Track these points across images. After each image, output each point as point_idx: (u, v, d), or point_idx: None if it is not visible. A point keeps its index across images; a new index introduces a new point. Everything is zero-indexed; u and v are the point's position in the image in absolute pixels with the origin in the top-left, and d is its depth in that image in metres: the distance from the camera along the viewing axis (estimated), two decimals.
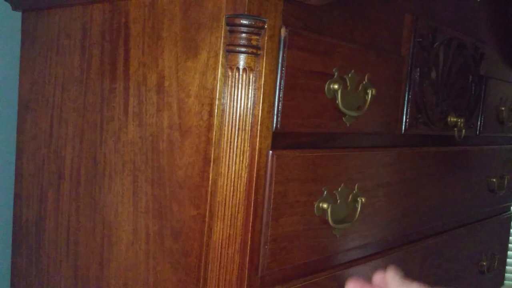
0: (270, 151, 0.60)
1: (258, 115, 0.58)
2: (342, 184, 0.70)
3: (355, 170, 0.73)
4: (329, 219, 0.67)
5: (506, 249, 1.38)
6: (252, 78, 0.57)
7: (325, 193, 0.68)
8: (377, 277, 0.70)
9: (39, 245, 0.85)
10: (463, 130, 0.96)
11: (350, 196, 0.72)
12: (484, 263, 1.20)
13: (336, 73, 0.66)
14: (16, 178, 0.89)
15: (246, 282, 0.60)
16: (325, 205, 0.67)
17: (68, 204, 0.79)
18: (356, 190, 0.73)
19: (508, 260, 1.51)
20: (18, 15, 0.90)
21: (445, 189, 1.00)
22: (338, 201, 0.70)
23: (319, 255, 0.69)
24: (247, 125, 0.58)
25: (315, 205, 0.67)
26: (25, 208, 0.87)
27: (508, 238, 1.37)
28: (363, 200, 0.73)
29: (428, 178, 0.93)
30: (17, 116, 0.89)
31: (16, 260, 0.89)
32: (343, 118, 0.69)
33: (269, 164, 0.60)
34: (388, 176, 0.81)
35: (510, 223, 1.36)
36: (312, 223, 0.67)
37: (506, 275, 1.63)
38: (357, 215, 0.72)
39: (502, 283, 1.39)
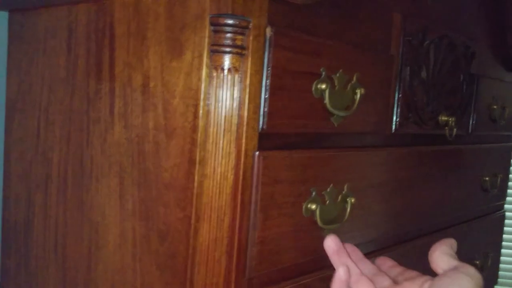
0: (257, 152, 0.59)
1: (244, 116, 0.57)
2: (331, 185, 0.70)
3: (344, 170, 0.72)
4: (318, 220, 0.67)
5: (500, 247, 1.37)
6: (237, 78, 0.57)
7: (313, 194, 0.67)
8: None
9: (28, 247, 0.84)
10: (454, 129, 0.95)
11: (340, 197, 0.71)
12: (477, 262, 1.20)
13: (323, 73, 0.66)
14: (4, 180, 0.88)
15: (233, 284, 0.59)
16: (313, 206, 0.67)
17: (55, 207, 0.78)
18: (345, 190, 0.72)
19: (502, 258, 1.50)
20: (4, 14, 0.89)
21: (437, 188, 1.00)
22: (327, 201, 0.69)
23: (308, 257, 0.69)
24: (233, 126, 0.57)
25: (304, 206, 0.66)
26: (14, 211, 0.86)
27: (501, 236, 1.37)
28: (352, 200, 0.72)
29: (420, 178, 0.93)
30: (4, 117, 0.88)
31: (5, 262, 0.88)
32: (331, 118, 0.68)
33: (255, 165, 0.59)
34: (379, 176, 0.81)
35: (503, 221, 1.36)
36: (301, 224, 0.66)
37: (500, 273, 1.63)
38: (346, 216, 0.71)
39: (496, 282, 1.39)
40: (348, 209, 0.71)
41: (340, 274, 0.61)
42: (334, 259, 0.65)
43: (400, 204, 0.88)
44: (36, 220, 0.82)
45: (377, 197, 0.81)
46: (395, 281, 0.64)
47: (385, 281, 0.64)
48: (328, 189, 0.69)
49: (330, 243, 0.65)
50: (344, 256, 0.65)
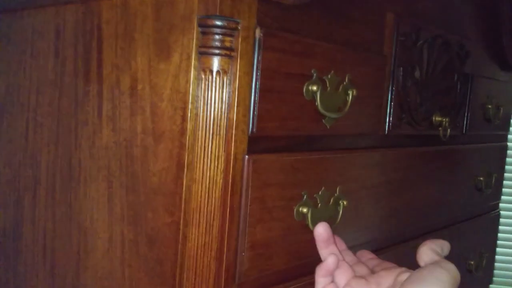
0: (246, 156, 0.58)
1: (233, 119, 0.56)
2: (323, 188, 0.69)
3: (336, 172, 0.71)
4: (309, 223, 0.66)
5: (495, 247, 1.37)
6: (226, 80, 0.55)
7: (304, 197, 0.66)
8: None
9: (17, 252, 0.83)
10: (448, 130, 0.94)
11: (332, 199, 0.70)
12: (472, 262, 1.20)
13: (314, 74, 0.65)
14: None
15: None
16: (305, 210, 0.66)
17: (44, 211, 0.77)
18: (337, 193, 0.71)
19: (497, 257, 1.50)
20: None
21: (432, 189, 0.99)
22: (319, 204, 0.68)
23: (300, 260, 0.68)
24: (222, 130, 0.56)
25: (295, 210, 0.65)
26: (2, 215, 0.85)
27: (497, 236, 1.36)
28: (345, 203, 0.71)
29: (414, 179, 0.92)
30: None
31: None
32: (323, 120, 0.67)
33: (245, 169, 0.58)
34: (372, 177, 0.80)
35: (498, 221, 1.35)
36: (292, 228, 0.65)
37: (495, 271, 1.63)
38: (339, 219, 0.70)
39: (491, 282, 1.38)
40: (340, 212, 0.70)
41: (329, 262, 0.61)
42: (321, 246, 0.64)
43: (395, 206, 0.87)
44: (24, 224, 0.81)
45: (370, 199, 0.80)
46: (372, 271, 0.65)
47: (364, 270, 0.65)
48: (320, 192, 0.68)
49: (322, 231, 0.64)
50: (332, 245, 0.65)
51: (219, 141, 0.56)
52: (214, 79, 0.55)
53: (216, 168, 0.56)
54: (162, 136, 0.59)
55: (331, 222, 0.69)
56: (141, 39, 0.61)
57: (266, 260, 0.62)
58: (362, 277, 0.63)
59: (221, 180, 0.57)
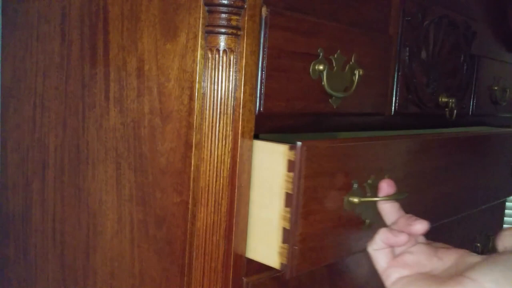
0: (299, 143, 0.54)
1: (240, 98, 0.56)
2: (373, 176, 0.63)
3: (384, 159, 0.66)
4: (361, 213, 0.62)
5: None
6: (233, 59, 0.55)
7: (355, 186, 0.61)
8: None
9: (26, 235, 0.83)
10: (455, 110, 0.94)
11: None
12: (479, 245, 1.20)
13: (321, 54, 0.64)
14: (1, 168, 0.88)
15: (231, 269, 0.59)
16: (355, 200, 0.61)
17: (53, 194, 0.78)
18: None
19: None
20: None
21: (471, 175, 0.92)
22: (367, 194, 0.63)
23: (349, 252, 0.64)
24: (229, 109, 0.56)
25: (345, 200, 0.60)
26: (12, 198, 0.86)
27: (503, 219, 1.36)
28: None
29: (457, 165, 0.86)
30: (0, 105, 0.87)
31: (4, 251, 0.88)
32: (330, 99, 0.67)
33: (297, 156, 0.54)
34: (417, 164, 0.74)
35: (504, 205, 1.35)
36: (342, 219, 0.61)
37: None
38: None
39: None
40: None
41: (401, 239, 0.57)
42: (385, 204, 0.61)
43: (438, 193, 0.82)
44: (34, 208, 0.81)
45: (415, 187, 0.75)
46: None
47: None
48: (370, 181, 0.63)
49: (385, 186, 0.61)
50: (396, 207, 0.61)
51: (226, 120, 0.56)
52: (220, 58, 0.55)
53: (224, 147, 0.57)
54: (170, 116, 0.59)
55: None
56: (147, 19, 0.61)
57: (317, 254, 0.59)
58: (425, 244, 0.58)
59: (229, 159, 0.57)
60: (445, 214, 0.87)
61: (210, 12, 0.55)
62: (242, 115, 0.57)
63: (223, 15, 0.54)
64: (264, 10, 0.57)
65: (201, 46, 0.56)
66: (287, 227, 0.56)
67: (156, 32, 0.60)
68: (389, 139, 0.68)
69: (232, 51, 0.55)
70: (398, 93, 0.82)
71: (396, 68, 0.82)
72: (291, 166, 0.55)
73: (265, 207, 0.59)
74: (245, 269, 0.61)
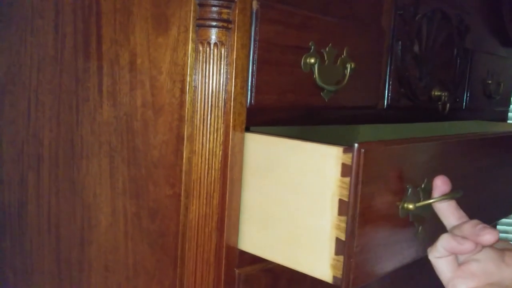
0: (356, 144, 0.50)
1: (231, 91, 0.57)
2: (426, 179, 0.59)
3: (437, 162, 0.63)
4: (415, 219, 0.58)
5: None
6: (224, 53, 0.56)
7: (409, 190, 0.57)
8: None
9: (22, 229, 0.84)
10: (448, 104, 0.95)
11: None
12: None
13: (312, 47, 0.65)
14: None
15: (224, 261, 0.59)
16: (410, 206, 0.56)
17: (48, 188, 0.78)
18: None
19: None
20: None
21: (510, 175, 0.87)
22: (422, 199, 0.59)
23: (404, 262, 0.60)
24: (220, 102, 0.57)
25: (400, 206, 0.56)
26: (7, 193, 0.86)
27: None
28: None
29: (497, 166, 0.81)
30: None
31: (0, 244, 0.89)
32: (321, 93, 0.68)
33: (354, 160, 0.50)
34: (463, 166, 0.70)
35: None
36: (398, 227, 0.57)
37: None
38: None
39: None
40: None
41: (467, 247, 0.52)
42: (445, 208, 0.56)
43: (483, 195, 0.78)
44: (29, 202, 0.82)
45: (466, 190, 0.67)
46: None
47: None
48: (423, 185, 0.59)
49: (440, 183, 0.56)
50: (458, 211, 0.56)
51: (217, 113, 0.57)
52: (211, 51, 0.56)
53: (215, 140, 0.57)
54: (162, 109, 0.59)
55: (438, 219, 0.60)
56: (139, 13, 0.61)
57: (373, 266, 0.55)
58: (491, 249, 0.54)
59: (220, 152, 0.57)
60: (494, 216, 0.84)
61: (200, 5, 0.55)
62: (233, 108, 0.57)
63: (214, 9, 0.55)
64: (254, 3, 0.57)
65: (192, 40, 0.56)
66: (342, 238, 0.52)
67: (148, 26, 0.60)
68: (442, 139, 0.63)
69: (223, 44, 0.56)
70: (390, 87, 0.83)
71: (389, 62, 0.82)
72: (346, 170, 0.51)
73: (312, 215, 0.54)
74: (238, 260, 0.61)
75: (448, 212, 0.57)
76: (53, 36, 0.74)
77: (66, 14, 0.72)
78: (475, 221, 0.54)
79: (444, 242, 0.53)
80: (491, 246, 0.54)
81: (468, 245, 0.51)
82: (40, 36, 0.77)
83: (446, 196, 0.56)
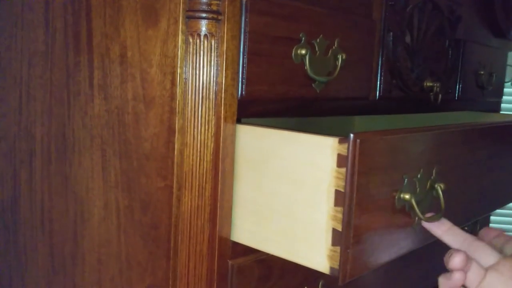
0: (352, 135, 0.50)
1: (222, 82, 0.57)
2: (421, 170, 0.59)
3: (432, 152, 0.62)
4: (417, 212, 0.57)
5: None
6: (214, 44, 0.56)
7: (405, 181, 0.56)
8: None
9: (15, 224, 0.84)
10: (440, 95, 0.95)
11: (428, 183, 0.61)
12: (466, 228, 1.21)
13: (303, 38, 0.65)
14: None
15: (217, 252, 0.60)
16: (407, 196, 0.56)
17: (40, 182, 0.78)
18: (434, 175, 0.62)
19: None
20: None
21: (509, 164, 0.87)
22: (418, 189, 0.59)
23: (400, 253, 0.60)
24: (211, 93, 0.57)
25: (396, 196, 0.56)
26: (0, 188, 0.86)
27: None
28: (442, 186, 0.61)
29: (498, 157, 0.81)
30: None
31: None
32: (313, 84, 0.68)
33: (350, 151, 0.50)
34: (461, 156, 0.70)
35: None
36: (394, 218, 0.57)
37: None
38: (442, 205, 0.60)
39: None
40: (442, 197, 0.61)
41: (457, 277, 0.53)
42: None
43: (480, 185, 0.78)
44: (22, 197, 0.82)
45: (461, 180, 0.71)
46: (501, 251, 0.58)
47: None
48: (419, 175, 0.59)
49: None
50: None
51: (208, 105, 0.57)
52: (202, 43, 0.56)
53: (206, 131, 0.57)
54: (153, 101, 0.59)
55: (435, 209, 0.61)
56: (129, 6, 0.61)
57: (370, 256, 0.55)
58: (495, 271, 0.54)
59: (212, 144, 0.57)
60: (489, 206, 0.84)
61: None
62: (224, 99, 0.57)
63: (204, 0, 0.55)
64: None
65: (182, 31, 0.56)
66: (338, 228, 0.52)
67: (137, 18, 0.60)
68: (438, 129, 0.63)
69: (213, 35, 0.56)
70: (382, 78, 0.83)
71: (380, 53, 0.83)
72: (342, 161, 0.51)
73: (308, 206, 0.54)
74: (231, 251, 0.61)
75: (453, 243, 0.58)
76: (43, 30, 0.74)
77: (56, 8, 0.71)
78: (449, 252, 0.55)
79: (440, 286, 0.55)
80: (494, 267, 0.54)
81: (456, 276, 0.53)
82: (31, 30, 0.76)
83: (433, 217, 0.58)
